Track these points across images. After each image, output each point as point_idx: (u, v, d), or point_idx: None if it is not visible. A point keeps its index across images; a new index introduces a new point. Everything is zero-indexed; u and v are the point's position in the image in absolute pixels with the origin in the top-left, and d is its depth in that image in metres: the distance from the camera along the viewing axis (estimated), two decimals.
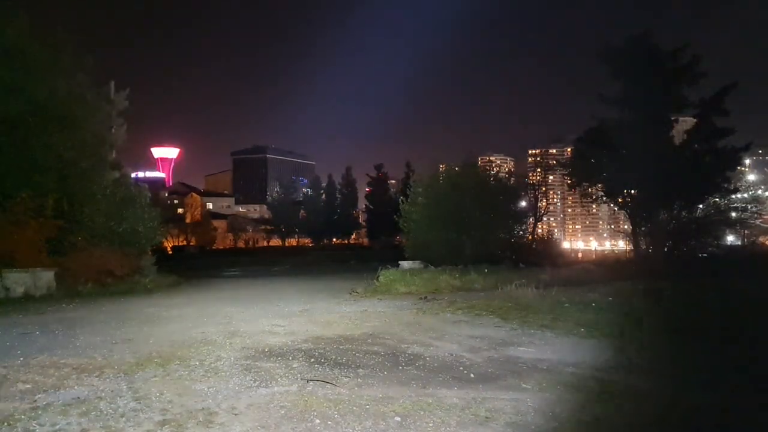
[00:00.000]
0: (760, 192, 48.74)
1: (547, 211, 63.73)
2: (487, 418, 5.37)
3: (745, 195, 33.07)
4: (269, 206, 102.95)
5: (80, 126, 20.13)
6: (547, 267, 21.62)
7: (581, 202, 52.43)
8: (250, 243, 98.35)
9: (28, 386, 6.45)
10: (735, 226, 31.80)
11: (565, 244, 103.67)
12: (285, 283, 23.27)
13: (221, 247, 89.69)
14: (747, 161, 58.41)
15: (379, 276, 19.64)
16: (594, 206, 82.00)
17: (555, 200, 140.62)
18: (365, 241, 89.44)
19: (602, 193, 34.16)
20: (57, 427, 5.14)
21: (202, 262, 46.73)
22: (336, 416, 5.37)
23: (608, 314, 11.18)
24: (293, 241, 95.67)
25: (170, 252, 64.36)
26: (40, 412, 5.49)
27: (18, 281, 16.32)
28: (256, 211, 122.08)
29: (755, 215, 31.87)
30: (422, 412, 5.48)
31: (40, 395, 6.08)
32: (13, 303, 14.76)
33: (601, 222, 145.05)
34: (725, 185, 29.83)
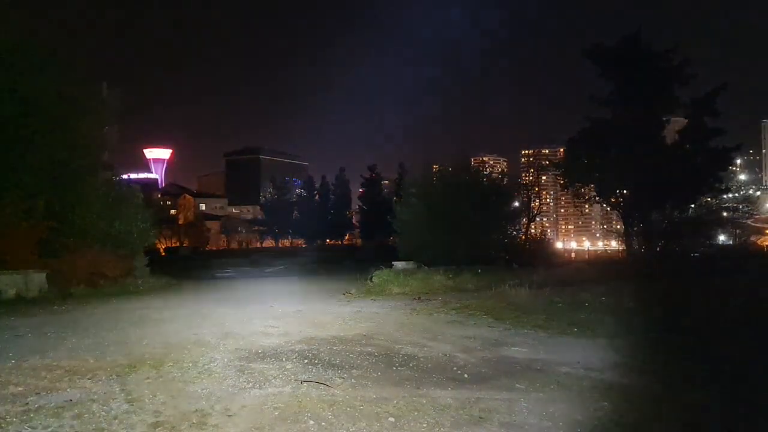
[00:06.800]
0: (751, 192, 49.11)
1: (540, 212, 63.82)
2: (481, 418, 5.38)
3: (737, 195, 33.29)
4: (262, 207, 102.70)
5: (72, 127, 20.04)
6: (540, 267, 21.68)
7: (574, 202, 52.62)
8: (244, 244, 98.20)
9: (20, 389, 6.41)
10: (727, 226, 31.99)
11: (558, 244, 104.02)
12: (278, 284, 23.23)
13: (214, 248, 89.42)
14: (738, 161, 58.73)
15: (372, 277, 19.64)
16: (587, 206, 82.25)
17: (548, 200, 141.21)
18: (359, 241, 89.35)
19: (595, 194, 34.29)
20: (49, 429, 5.11)
21: (195, 264, 46.53)
22: (330, 417, 5.37)
23: (601, 314, 11.21)
24: (286, 242, 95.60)
25: (163, 253, 64.12)
26: (32, 415, 5.46)
27: (9, 283, 16.21)
28: (249, 212, 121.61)
29: (746, 215, 32.09)
30: (416, 413, 5.48)
31: (32, 398, 6.05)
32: (5, 305, 14.65)
33: (593, 222, 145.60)
34: (717, 185, 30.00)
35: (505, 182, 35.79)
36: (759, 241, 40.91)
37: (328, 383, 6.56)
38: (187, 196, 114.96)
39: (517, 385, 6.54)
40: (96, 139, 22.19)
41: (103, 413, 5.52)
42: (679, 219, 30.39)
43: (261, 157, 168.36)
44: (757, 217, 44.16)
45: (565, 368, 7.29)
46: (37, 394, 6.21)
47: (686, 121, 31.61)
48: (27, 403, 5.85)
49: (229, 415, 5.45)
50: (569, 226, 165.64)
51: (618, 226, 37.83)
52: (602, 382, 6.66)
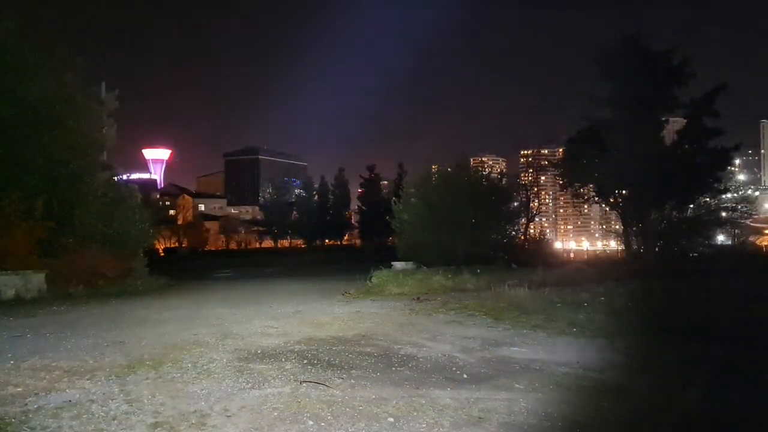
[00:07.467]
0: (749, 192, 49.16)
1: (539, 212, 63.95)
2: (480, 418, 5.37)
3: (735, 195, 33.28)
4: (261, 207, 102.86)
5: (70, 127, 20.04)
6: (540, 267, 21.62)
7: (573, 202, 52.73)
8: (243, 244, 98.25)
9: (19, 390, 6.40)
10: (725, 226, 32.04)
11: (557, 245, 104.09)
12: (277, 284, 23.23)
13: (213, 249, 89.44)
14: (737, 161, 58.75)
15: (371, 277, 19.64)
16: (586, 206, 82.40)
17: (547, 201, 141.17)
18: (358, 242, 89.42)
19: (594, 194, 34.35)
20: (48, 430, 5.10)
21: (194, 264, 46.60)
22: (329, 417, 5.36)
23: (600, 314, 11.22)
24: (285, 243, 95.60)
25: (162, 254, 64.10)
26: (31, 416, 5.45)
27: (8, 284, 16.20)
28: (248, 212, 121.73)
29: (745, 215, 32.11)
30: (415, 413, 5.48)
31: (31, 398, 6.04)
32: (4, 306, 14.64)
33: (592, 222, 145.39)
34: (715, 185, 30.06)
35: (504, 182, 35.80)
36: (758, 241, 40.95)
37: (327, 383, 6.56)
38: (186, 197, 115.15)
39: (516, 385, 6.53)
40: (95, 140, 22.19)
41: (102, 414, 5.51)
42: (678, 219, 30.45)
43: (260, 157, 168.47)
44: (756, 217, 44.17)
45: (564, 368, 7.29)
46: (36, 394, 6.20)
47: (685, 121, 31.65)
48: (26, 404, 5.84)
49: (228, 416, 5.44)
50: (568, 227, 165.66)
51: (617, 227, 37.87)
52: (601, 383, 6.67)
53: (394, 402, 5.83)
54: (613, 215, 39.38)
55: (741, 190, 39.06)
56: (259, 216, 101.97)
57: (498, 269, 21.91)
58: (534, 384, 6.53)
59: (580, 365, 7.43)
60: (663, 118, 31.52)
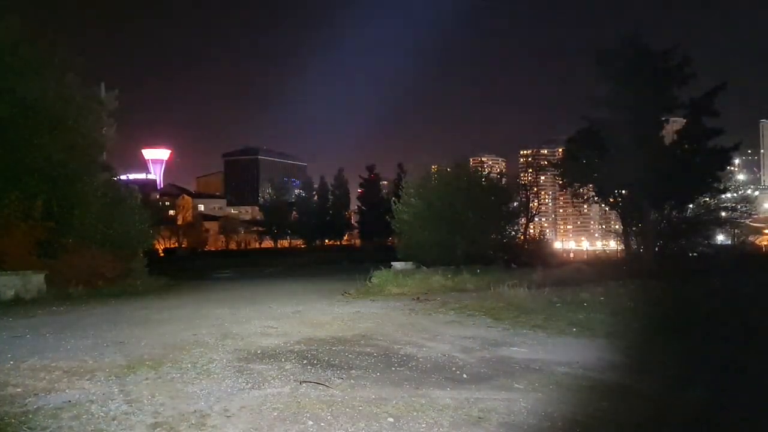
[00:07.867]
0: (749, 192, 49.16)
1: (539, 212, 63.92)
2: (479, 418, 5.37)
3: (735, 195, 33.23)
4: (261, 208, 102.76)
5: (70, 127, 20.03)
6: (539, 267, 21.65)
7: (573, 202, 52.42)
8: (242, 245, 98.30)
9: (18, 390, 6.40)
10: (725, 226, 31.97)
11: (557, 245, 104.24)
12: (277, 284, 23.24)
13: (213, 249, 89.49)
14: (736, 161, 58.80)
15: (371, 277, 19.64)
16: (585, 206, 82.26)
17: (547, 200, 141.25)
18: (358, 242, 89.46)
19: (593, 194, 34.25)
20: (48, 430, 5.10)
21: (193, 264, 46.63)
22: (329, 417, 5.36)
23: (600, 314, 11.22)
24: (285, 243, 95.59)
25: (161, 254, 64.12)
26: (31, 416, 5.45)
27: (8, 284, 16.20)
28: (247, 212, 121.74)
29: (745, 215, 32.07)
30: (415, 413, 5.48)
31: (30, 399, 6.04)
32: (4, 306, 14.64)
33: (592, 222, 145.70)
34: (715, 185, 29.96)
35: (503, 182, 35.79)
36: (757, 241, 40.94)
37: (327, 384, 6.56)
38: (186, 197, 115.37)
39: (515, 385, 6.53)
40: (94, 140, 22.15)
41: (102, 414, 5.52)
42: (678, 219, 30.39)
43: (259, 157, 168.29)
44: (756, 216, 44.19)
45: (564, 368, 7.29)
46: (35, 395, 6.20)
47: (685, 121, 31.60)
48: (26, 404, 5.84)
49: (228, 416, 5.44)
50: (568, 226, 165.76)
51: (616, 226, 37.75)
52: (601, 383, 6.67)
53: (394, 402, 5.83)
54: (613, 215, 39.27)
55: (741, 190, 38.94)
56: (259, 216, 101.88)
57: (498, 269, 21.92)
58: (534, 384, 6.53)
59: (580, 365, 7.43)
60: (663, 118, 31.39)
